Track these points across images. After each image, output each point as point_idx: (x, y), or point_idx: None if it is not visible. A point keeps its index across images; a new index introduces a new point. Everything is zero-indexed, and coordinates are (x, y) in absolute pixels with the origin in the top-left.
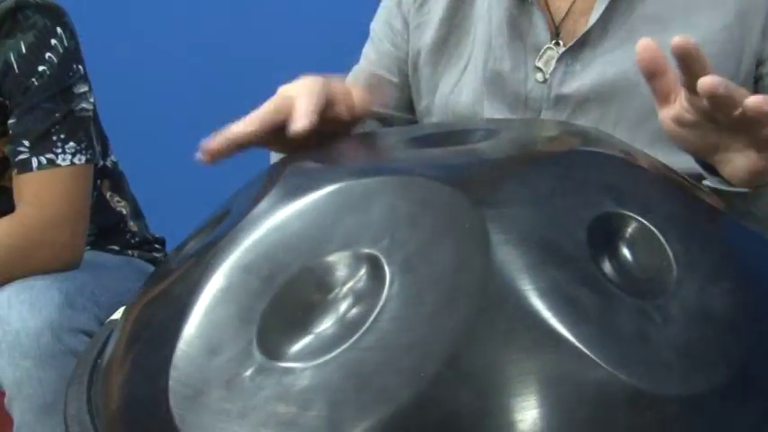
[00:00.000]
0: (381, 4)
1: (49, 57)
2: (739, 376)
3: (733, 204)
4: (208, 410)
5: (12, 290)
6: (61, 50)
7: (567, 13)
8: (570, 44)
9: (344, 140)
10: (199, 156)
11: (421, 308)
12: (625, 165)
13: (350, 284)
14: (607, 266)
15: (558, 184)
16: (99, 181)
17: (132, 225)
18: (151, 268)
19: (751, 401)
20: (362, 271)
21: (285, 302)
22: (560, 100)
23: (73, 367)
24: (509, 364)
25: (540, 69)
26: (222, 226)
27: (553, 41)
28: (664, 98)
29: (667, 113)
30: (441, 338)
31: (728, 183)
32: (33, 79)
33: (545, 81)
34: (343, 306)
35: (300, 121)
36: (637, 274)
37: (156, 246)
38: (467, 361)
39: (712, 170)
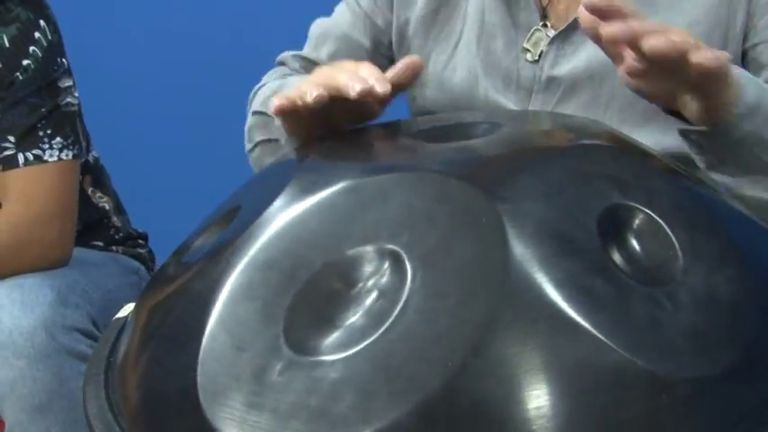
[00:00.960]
0: None
1: (33, 50)
2: (746, 358)
3: (717, 151)
4: (238, 406)
5: (2, 289)
6: (45, 44)
7: None
8: (562, 27)
9: (352, 135)
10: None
11: (444, 300)
12: (629, 157)
13: (373, 279)
14: (617, 256)
15: (567, 178)
16: (81, 177)
17: (116, 220)
18: (136, 264)
19: (757, 382)
20: (385, 266)
21: (309, 297)
22: (552, 81)
23: (70, 366)
24: (531, 352)
25: (528, 50)
26: (236, 222)
27: (541, 23)
28: (616, 55)
29: (622, 68)
30: (465, 329)
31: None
32: (18, 73)
33: (535, 62)
34: (367, 300)
35: (382, 84)
36: (645, 263)
37: (140, 241)
38: (491, 350)
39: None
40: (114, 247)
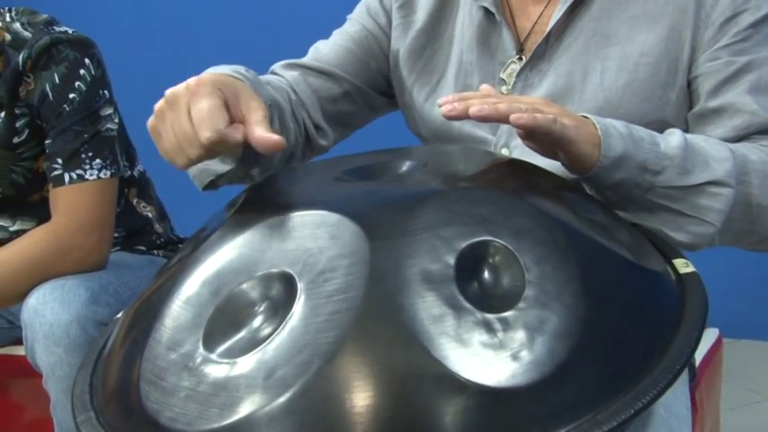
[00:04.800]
0: (361, 1)
1: (78, 85)
2: (549, 377)
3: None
4: (165, 392)
5: (46, 288)
6: (89, 79)
7: (529, 32)
8: (527, 58)
9: (290, 175)
10: None
11: (316, 317)
12: (509, 198)
13: (273, 298)
14: (468, 286)
15: (443, 217)
16: (127, 189)
17: (158, 227)
18: None
19: (548, 397)
20: (281, 287)
21: (225, 310)
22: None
23: None
24: (369, 362)
25: (504, 81)
26: (196, 245)
27: (517, 56)
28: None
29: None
30: (324, 341)
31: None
32: (65, 105)
33: (509, 92)
34: (266, 314)
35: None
36: (491, 293)
37: (180, 245)
38: (339, 358)
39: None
40: (156, 251)
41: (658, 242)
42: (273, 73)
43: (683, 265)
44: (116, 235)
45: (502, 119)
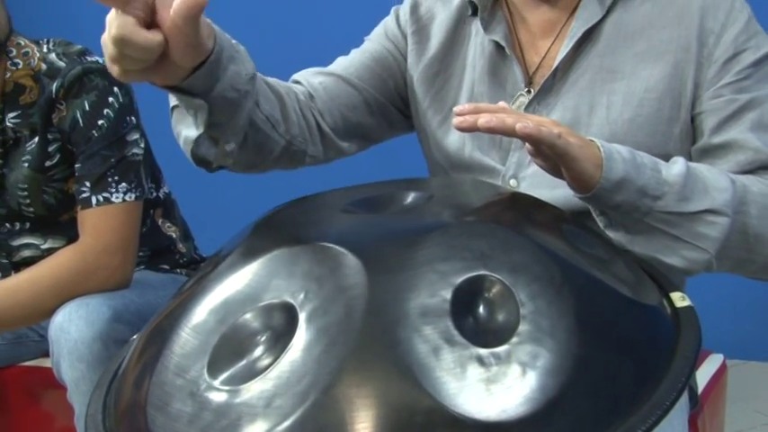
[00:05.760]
0: (380, 24)
1: (107, 112)
2: (536, 413)
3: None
4: (170, 417)
5: (72, 306)
6: (117, 106)
7: (537, 66)
8: (535, 91)
9: (302, 204)
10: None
11: (314, 348)
12: (509, 232)
13: (273, 327)
14: (463, 320)
15: (442, 252)
16: (152, 210)
17: (181, 247)
18: None
19: (553, 428)
20: (283, 317)
21: (230, 339)
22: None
23: None
24: (365, 393)
25: None
26: (206, 271)
27: (526, 89)
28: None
29: (526, 150)
30: (321, 372)
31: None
32: (94, 131)
33: None
34: (267, 344)
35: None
36: (485, 327)
37: (202, 265)
38: (336, 390)
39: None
40: (179, 270)
41: (656, 274)
42: (295, 81)
43: (680, 299)
44: (141, 254)
45: (508, 130)
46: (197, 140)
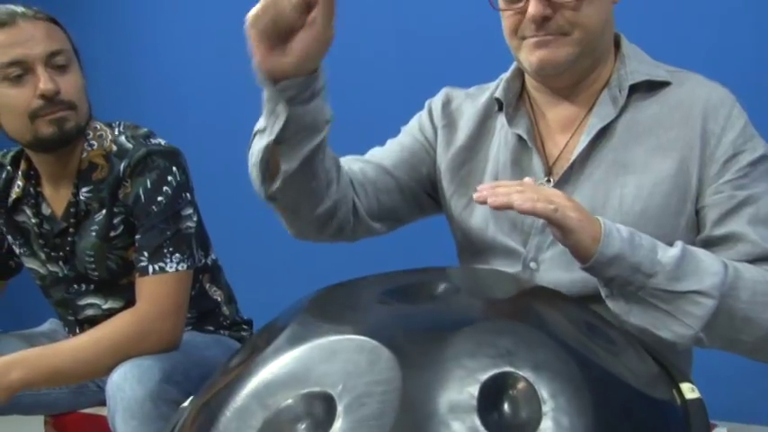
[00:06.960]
0: (414, 117)
1: (166, 190)
2: None
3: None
4: None
5: (127, 366)
6: (175, 185)
7: (557, 158)
8: (555, 181)
9: (344, 290)
10: None
11: None
12: (531, 330)
13: (313, 415)
14: (489, 414)
15: (469, 348)
16: (201, 275)
17: (225, 310)
18: (238, 345)
19: None
20: (323, 407)
21: (272, 424)
22: (546, 227)
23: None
24: None
25: None
26: (258, 349)
27: (546, 178)
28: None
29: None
30: None
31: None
32: (154, 206)
33: None
34: (307, 431)
35: None
36: (510, 422)
37: (244, 326)
38: None
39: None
40: (222, 332)
41: (666, 363)
42: None
43: (689, 390)
44: (189, 315)
45: (509, 206)
46: (266, 147)
